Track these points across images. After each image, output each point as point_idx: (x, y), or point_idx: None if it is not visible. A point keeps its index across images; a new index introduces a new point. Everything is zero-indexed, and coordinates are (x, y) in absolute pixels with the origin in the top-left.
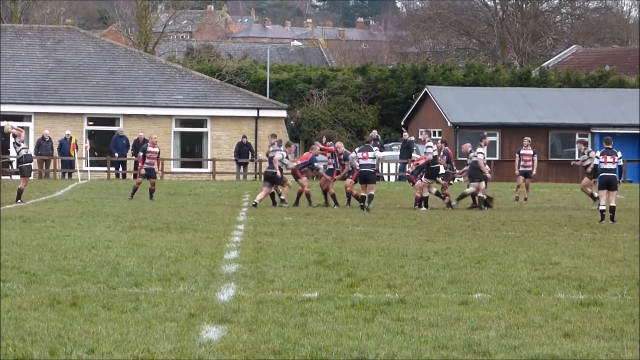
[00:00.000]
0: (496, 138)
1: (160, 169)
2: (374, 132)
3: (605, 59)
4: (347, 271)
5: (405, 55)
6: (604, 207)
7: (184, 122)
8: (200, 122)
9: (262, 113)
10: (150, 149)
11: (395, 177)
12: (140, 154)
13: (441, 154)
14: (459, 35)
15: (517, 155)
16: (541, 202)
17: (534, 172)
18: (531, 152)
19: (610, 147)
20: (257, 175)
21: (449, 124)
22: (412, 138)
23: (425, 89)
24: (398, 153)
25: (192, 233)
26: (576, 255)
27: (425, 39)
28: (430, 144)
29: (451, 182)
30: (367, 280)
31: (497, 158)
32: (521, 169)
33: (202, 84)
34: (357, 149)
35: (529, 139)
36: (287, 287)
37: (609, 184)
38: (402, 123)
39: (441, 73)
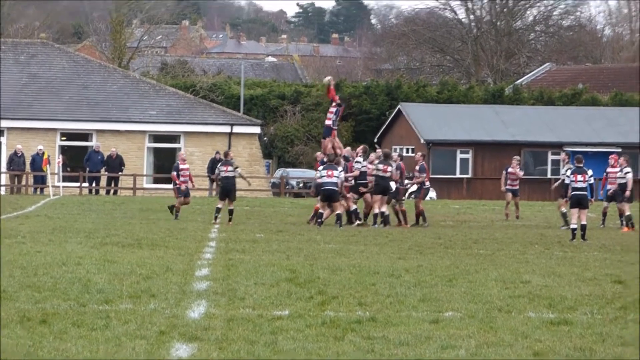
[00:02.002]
0: (469, 155)
1: (193, 185)
2: (347, 149)
3: (578, 77)
4: (318, 289)
5: (380, 72)
6: (575, 226)
7: (158, 137)
8: (173, 137)
9: (236, 129)
10: (181, 166)
11: None
12: (174, 173)
13: (394, 168)
14: (433, 52)
15: (504, 172)
16: (513, 220)
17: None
18: (521, 172)
19: (581, 165)
20: None
21: (422, 140)
22: (380, 152)
23: (399, 105)
24: None
25: (163, 250)
26: (547, 273)
27: (400, 55)
28: (360, 159)
29: (403, 198)
30: (338, 298)
31: (469, 175)
32: (508, 187)
33: (176, 99)
34: (321, 167)
35: (518, 158)
36: (258, 304)
37: (579, 203)
38: (376, 140)
39: (415, 90)
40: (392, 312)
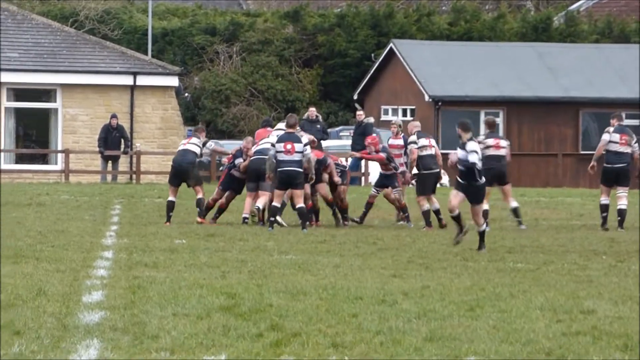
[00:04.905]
0: (499, 120)
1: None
2: (312, 111)
3: None
4: (271, 322)
5: None
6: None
7: (21, 93)
8: (45, 93)
9: (141, 80)
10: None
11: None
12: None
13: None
14: None
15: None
16: (568, 218)
17: (409, 175)
18: (401, 141)
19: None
20: (133, 175)
21: (427, 97)
22: (371, 120)
23: (391, 44)
24: (349, 142)
25: (33, 263)
26: (621, 299)
27: None
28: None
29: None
30: (301, 335)
31: None
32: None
33: (49, 35)
34: (275, 139)
35: (397, 121)
36: (179, 346)
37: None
38: (355, 97)
39: (415, 20)
40: (383, 358)
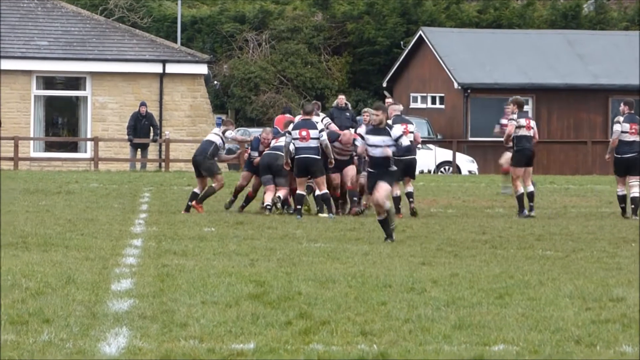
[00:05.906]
0: (528, 108)
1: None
2: (341, 98)
3: None
4: (300, 310)
5: None
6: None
7: (51, 81)
8: (75, 81)
9: (170, 68)
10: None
11: None
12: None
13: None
14: None
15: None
16: (597, 206)
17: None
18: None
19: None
20: (162, 163)
21: (456, 85)
22: (400, 107)
23: (420, 31)
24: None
25: (62, 251)
26: None
27: None
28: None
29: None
30: (330, 324)
31: None
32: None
33: (78, 23)
34: (291, 126)
35: (369, 110)
36: (208, 334)
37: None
38: (384, 84)
39: (444, 8)
40: (412, 346)
